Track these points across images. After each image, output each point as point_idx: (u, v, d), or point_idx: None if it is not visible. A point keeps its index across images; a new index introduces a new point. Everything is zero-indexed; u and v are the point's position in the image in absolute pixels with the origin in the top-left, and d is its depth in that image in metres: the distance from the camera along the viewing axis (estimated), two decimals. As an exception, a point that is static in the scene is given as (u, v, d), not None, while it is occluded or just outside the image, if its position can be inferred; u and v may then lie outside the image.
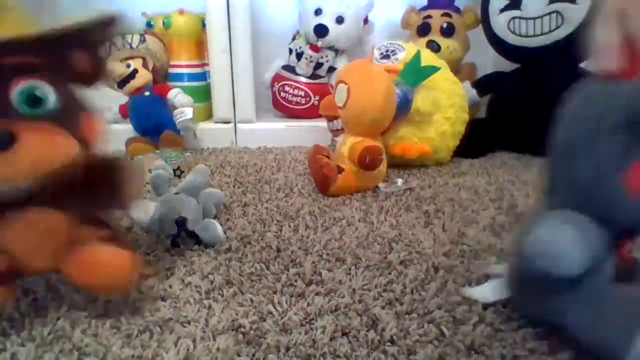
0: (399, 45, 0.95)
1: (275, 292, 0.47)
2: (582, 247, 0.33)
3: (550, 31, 0.99)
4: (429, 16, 1.21)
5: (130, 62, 1.03)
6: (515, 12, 1.03)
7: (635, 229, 0.37)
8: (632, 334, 0.32)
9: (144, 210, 0.58)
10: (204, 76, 1.19)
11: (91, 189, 0.41)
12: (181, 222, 0.56)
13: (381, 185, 0.81)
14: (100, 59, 0.41)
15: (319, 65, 1.17)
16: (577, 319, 0.36)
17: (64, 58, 0.39)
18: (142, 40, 1.10)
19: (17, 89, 0.36)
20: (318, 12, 1.13)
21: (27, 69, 0.36)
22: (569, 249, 0.34)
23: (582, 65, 1.01)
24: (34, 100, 0.36)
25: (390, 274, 0.51)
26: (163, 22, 1.15)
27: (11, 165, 0.34)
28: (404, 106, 0.81)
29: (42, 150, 0.36)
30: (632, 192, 0.34)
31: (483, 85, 1.14)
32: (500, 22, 1.06)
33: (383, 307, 0.45)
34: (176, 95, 1.03)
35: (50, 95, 0.37)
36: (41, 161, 0.36)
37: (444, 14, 1.20)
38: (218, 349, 0.39)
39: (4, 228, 0.39)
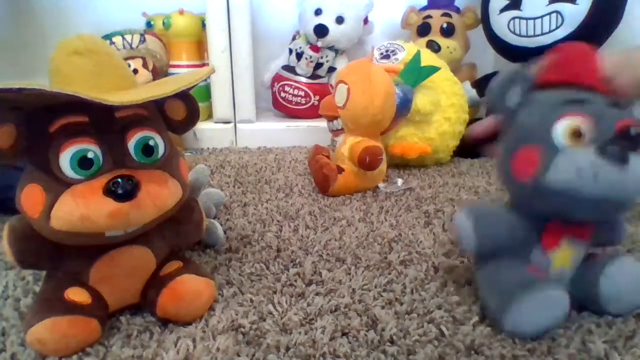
0: (399, 45, 0.95)
1: (275, 292, 0.47)
2: (475, 234, 0.42)
3: (550, 31, 0.99)
4: (429, 16, 1.21)
5: (130, 62, 1.03)
6: (515, 12, 1.02)
7: (546, 215, 0.41)
8: (510, 303, 0.39)
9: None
10: (204, 76, 1.19)
11: (177, 226, 0.45)
12: (181, 222, 0.56)
13: (381, 185, 0.81)
14: (195, 108, 0.44)
15: (319, 65, 1.17)
16: (486, 286, 0.44)
17: (164, 107, 0.43)
18: (142, 40, 1.10)
19: (134, 140, 0.38)
20: (318, 12, 1.13)
21: (139, 120, 0.39)
22: (464, 234, 0.42)
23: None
24: (148, 149, 0.39)
25: (390, 274, 0.51)
26: (163, 22, 1.14)
27: (137, 211, 0.36)
28: (404, 106, 0.81)
29: (162, 197, 0.38)
30: (518, 177, 0.40)
31: (483, 85, 1.14)
32: (500, 22, 1.06)
33: (383, 307, 0.45)
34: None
35: (160, 143, 0.40)
36: (162, 207, 0.39)
37: (444, 14, 1.20)
38: (218, 349, 0.39)
39: (98, 265, 0.41)
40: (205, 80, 1.19)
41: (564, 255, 0.42)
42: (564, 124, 0.38)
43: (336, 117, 0.85)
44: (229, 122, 1.15)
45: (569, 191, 0.37)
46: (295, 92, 1.18)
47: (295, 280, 0.50)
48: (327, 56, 1.16)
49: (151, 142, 0.39)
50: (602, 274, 0.42)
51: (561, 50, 0.43)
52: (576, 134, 0.37)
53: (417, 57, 0.87)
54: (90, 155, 0.36)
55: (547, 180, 0.38)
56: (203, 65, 1.19)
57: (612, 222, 0.44)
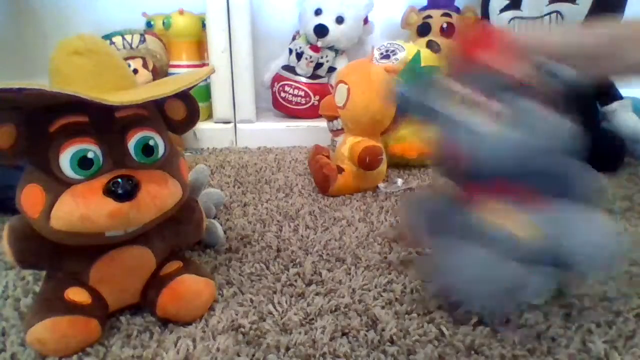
0: (399, 45, 0.95)
1: (275, 292, 0.47)
2: (413, 211, 0.48)
3: (550, 31, 0.99)
4: (429, 16, 1.21)
5: (130, 62, 1.03)
6: (516, 12, 1.02)
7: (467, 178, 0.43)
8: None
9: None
10: (203, 76, 1.19)
11: (177, 226, 0.45)
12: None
13: (381, 185, 0.81)
14: (195, 108, 0.44)
15: (319, 65, 1.16)
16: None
17: (164, 107, 0.43)
18: (142, 40, 1.10)
19: (134, 140, 0.38)
20: (318, 12, 1.13)
21: (139, 120, 0.39)
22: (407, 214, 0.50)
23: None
24: (148, 149, 0.39)
25: (390, 274, 0.51)
26: (163, 22, 1.14)
27: (137, 211, 0.36)
28: (404, 106, 0.81)
29: (162, 197, 0.38)
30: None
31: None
32: (500, 22, 1.06)
33: (383, 307, 0.45)
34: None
35: (160, 143, 0.40)
36: (162, 207, 0.39)
37: (444, 14, 1.20)
38: (218, 349, 0.39)
39: (98, 265, 0.41)
40: (205, 80, 1.19)
41: (518, 225, 0.39)
42: None
43: (336, 117, 0.85)
44: (229, 122, 1.15)
45: (475, 161, 0.41)
46: (295, 92, 1.18)
47: (295, 280, 0.50)
48: (327, 56, 1.16)
49: (151, 142, 0.39)
50: (567, 230, 0.39)
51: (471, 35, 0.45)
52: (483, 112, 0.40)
53: (417, 57, 0.87)
54: (90, 155, 0.36)
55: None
56: (203, 65, 1.19)
57: (555, 180, 0.41)
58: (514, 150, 0.38)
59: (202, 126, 1.14)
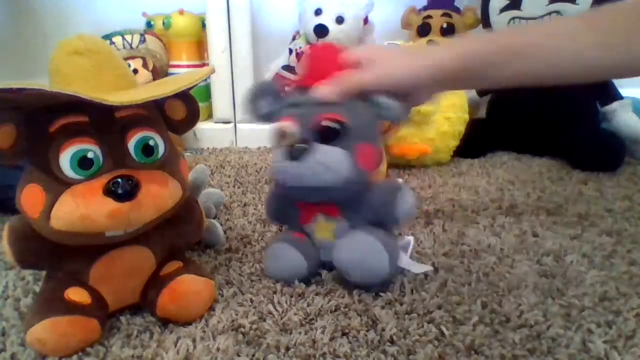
0: (399, 45, 0.95)
1: (275, 292, 0.47)
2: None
3: (550, 31, 0.99)
4: (429, 16, 1.21)
5: (130, 62, 1.03)
6: (516, 12, 1.02)
7: (292, 198, 0.50)
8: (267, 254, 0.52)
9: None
10: (203, 76, 1.19)
11: (177, 226, 0.45)
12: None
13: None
14: (195, 108, 0.44)
15: (319, 65, 1.16)
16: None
17: (164, 107, 0.43)
18: (142, 40, 1.10)
19: (134, 140, 0.38)
20: (318, 12, 1.13)
21: (139, 120, 0.39)
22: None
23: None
24: (148, 149, 0.39)
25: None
26: (163, 22, 1.14)
27: (137, 211, 0.36)
28: (403, 106, 0.81)
29: (162, 197, 0.38)
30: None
31: (483, 85, 1.14)
32: (500, 22, 1.06)
33: (383, 307, 0.45)
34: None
35: (160, 143, 0.40)
36: (162, 207, 0.39)
37: (444, 14, 1.20)
38: (218, 349, 0.39)
39: (98, 265, 0.41)
40: (205, 80, 1.19)
41: (323, 228, 0.50)
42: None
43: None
44: (229, 122, 1.15)
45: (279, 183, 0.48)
46: (295, 92, 1.18)
47: (295, 281, 0.50)
48: (327, 56, 1.16)
49: (151, 142, 0.39)
50: (335, 245, 0.47)
51: (310, 55, 0.50)
52: (283, 135, 0.46)
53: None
54: (90, 155, 0.36)
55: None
56: (203, 65, 1.19)
57: (355, 203, 0.48)
58: (299, 182, 0.45)
59: (202, 126, 1.14)
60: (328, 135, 0.45)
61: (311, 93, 0.46)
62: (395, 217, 0.48)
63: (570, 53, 0.43)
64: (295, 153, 0.44)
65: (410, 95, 0.47)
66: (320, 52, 0.51)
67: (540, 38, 0.44)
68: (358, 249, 0.46)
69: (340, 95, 0.45)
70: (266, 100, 0.50)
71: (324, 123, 0.45)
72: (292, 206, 0.51)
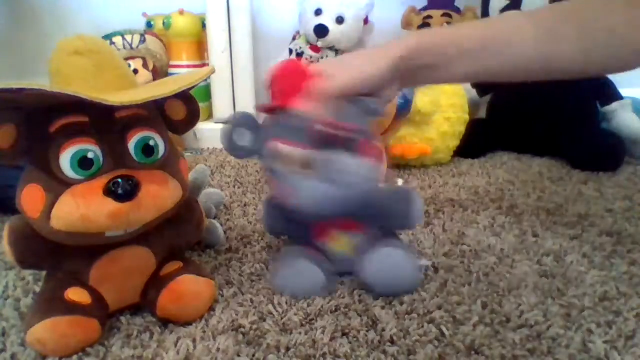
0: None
1: (275, 292, 0.47)
2: (265, 222, 0.54)
3: (550, 31, 0.98)
4: (429, 16, 1.21)
5: (130, 62, 1.03)
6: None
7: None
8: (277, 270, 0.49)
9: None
10: (203, 76, 1.19)
11: (177, 226, 0.45)
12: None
13: (381, 185, 0.81)
14: (195, 107, 0.44)
15: (319, 65, 1.16)
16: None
17: (164, 107, 0.43)
18: (142, 40, 1.10)
19: (134, 140, 0.38)
20: (318, 12, 1.13)
21: (139, 120, 0.39)
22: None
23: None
24: (148, 149, 0.39)
25: (390, 274, 0.51)
26: (163, 22, 1.14)
27: (137, 211, 0.36)
28: (404, 106, 0.81)
29: (162, 197, 0.38)
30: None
31: (483, 85, 1.14)
32: (500, 22, 1.06)
33: (383, 307, 0.45)
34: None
35: (160, 143, 0.40)
36: (162, 207, 0.39)
37: (444, 14, 1.20)
38: (218, 349, 0.39)
39: (98, 265, 0.41)
40: (205, 80, 1.19)
41: (340, 243, 0.48)
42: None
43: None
44: (229, 122, 1.15)
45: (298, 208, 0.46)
46: (295, 92, 1.18)
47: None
48: (327, 56, 1.16)
49: (151, 142, 0.39)
50: (364, 259, 0.46)
51: (276, 75, 0.47)
52: (285, 158, 0.44)
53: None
54: (90, 155, 0.36)
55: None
56: (203, 65, 1.19)
57: (372, 213, 0.47)
58: (323, 198, 0.43)
59: (202, 126, 1.14)
60: (329, 143, 0.43)
61: (292, 113, 0.44)
62: (411, 223, 0.48)
63: (514, 48, 0.46)
64: (307, 168, 0.42)
65: (377, 92, 0.47)
66: (284, 69, 0.48)
67: (487, 32, 0.47)
68: (391, 264, 0.46)
69: (322, 105, 0.44)
70: (245, 134, 0.46)
71: (320, 128, 0.43)
72: (300, 222, 0.49)
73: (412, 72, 0.47)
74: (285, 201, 0.46)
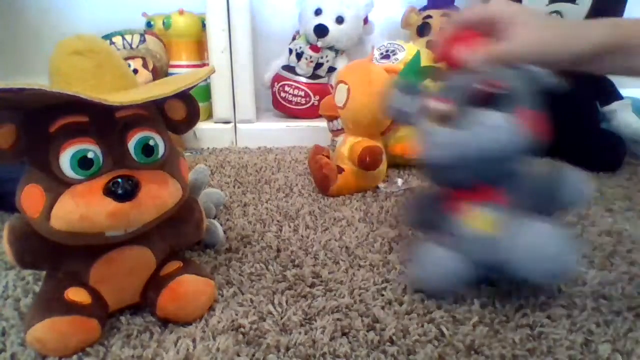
0: (399, 45, 0.95)
1: (275, 292, 0.47)
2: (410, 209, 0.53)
3: (550, 31, 0.98)
4: (429, 16, 1.21)
5: (130, 62, 1.03)
6: (515, 12, 1.02)
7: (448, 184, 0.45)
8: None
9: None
10: (204, 76, 1.19)
11: (177, 226, 0.45)
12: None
13: (381, 185, 0.81)
14: (195, 107, 0.44)
15: (319, 65, 1.16)
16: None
17: (164, 107, 0.43)
18: (142, 40, 1.10)
19: (134, 140, 0.38)
20: (318, 12, 1.13)
21: (139, 121, 0.39)
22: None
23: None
24: (148, 149, 0.39)
25: (390, 274, 0.51)
26: (163, 22, 1.14)
27: (137, 211, 0.36)
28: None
29: (162, 197, 0.38)
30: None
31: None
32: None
33: (383, 307, 0.45)
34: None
35: (160, 143, 0.40)
36: (161, 207, 0.39)
37: (444, 14, 1.20)
38: (218, 349, 0.39)
39: (98, 265, 0.41)
40: (205, 80, 1.18)
41: (478, 219, 0.42)
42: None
43: (336, 117, 0.85)
44: (229, 122, 1.15)
45: (433, 163, 0.43)
46: (295, 92, 1.18)
47: (295, 281, 0.50)
48: (327, 56, 1.16)
49: (151, 142, 0.39)
50: (507, 239, 0.40)
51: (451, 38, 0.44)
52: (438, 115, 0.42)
53: (417, 57, 0.87)
54: (90, 155, 0.36)
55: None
56: (203, 65, 1.19)
57: (517, 183, 0.43)
58: (460, 147, 0.40)
59: (202, 126, 1.14)
60: (485, 101, 0.40)
61: (457, 73, 0.42)
62: (563, 202, 0.44)
63: None
64: (456, 120, 0.40)
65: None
66: (462, 34, 0.44)
67: None
68: (544, 242, 0.39)
69: (487, 63, 0.41)
70: (406, 99, 0.46)
71: (480, 87, 0.40)
72: (439, 207, 0.46)
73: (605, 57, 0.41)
74: (426, 157, 0.43)
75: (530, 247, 0.39)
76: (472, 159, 0.40)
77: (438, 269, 0.43)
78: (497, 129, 0.39)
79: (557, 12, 0.97)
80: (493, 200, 0.42)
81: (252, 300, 0.46)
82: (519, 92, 0.41)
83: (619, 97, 1.00)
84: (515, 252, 0.40)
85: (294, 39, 1.22)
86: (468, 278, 0.43)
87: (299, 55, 1.16)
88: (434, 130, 0.41)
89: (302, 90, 1.17)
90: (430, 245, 0.43)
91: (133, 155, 0.38)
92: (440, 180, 0.44)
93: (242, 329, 0.41)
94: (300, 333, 0.41)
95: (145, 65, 1.03)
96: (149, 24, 1.19)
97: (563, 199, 0.44)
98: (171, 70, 1.16)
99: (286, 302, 0.46)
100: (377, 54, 0.95)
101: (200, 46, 1.18)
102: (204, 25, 1.13)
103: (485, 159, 0.40)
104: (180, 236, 0.46)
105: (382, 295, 0.47)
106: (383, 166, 0.80)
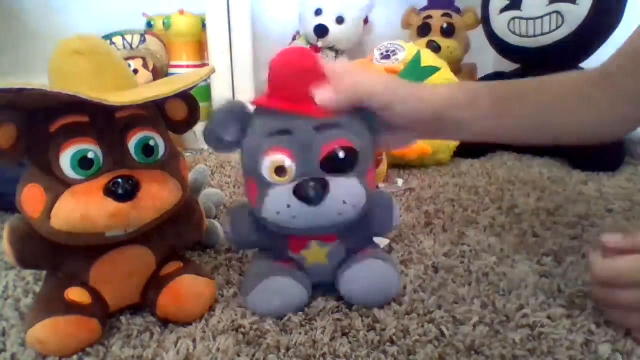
0: (399, 45, 0.95)
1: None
2: (232, 233, 0.47)
3: (550, 31, 0.99)
4: (429, 16, 1.21)
5: (130, 62, 1.03)
6: (516, 12, 1.03)
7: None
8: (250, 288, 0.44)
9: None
10: (204, 76, 1.19)
11: (177, 226, 0.45)
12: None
13: (381, 185, 0.81)
14: (195, 107, 0.44)
15: (319, 65, 1.17)
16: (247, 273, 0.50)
17: (164, 107, 0.43)
18: (142, 40, 1.10)
19: (134, 140, 0.38)
20: (318, 12, 1.13)
21: (139, 121, 0.39)
22: (227, 230, 0.47)
23: (581, 65, 1.01)
24: (148, 149, 0.39)
25: (390, 274, 0.51)
26: (163, 22, 1.15)
27: (137, 211, 0.36)
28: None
29: (162, 197, 0.38)
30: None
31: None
32: (500, 22, 1.06)
33: (383, 307, 0.45)
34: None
35: (160, 143, 0.40)
36: (161, 207, 0.39)
37: (444, 14, 1.20)
38: (218, 349, 0.39)
39: (98, 265, 0.41)
40: (205, 80, 1.19)
41: (316, 253, 0.45)
42: (268, 161, 0.39)
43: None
44: (229, 122, 1.15)
45: (279, 223, 0.41)
46: (295, 92, 1.18)
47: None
48: (327, 56, 1.16)
49: (151, 142, 0.39)
50: (342, 275, 0.44)
51: (276, 64, 0.41)
52: (280, 170, 0.39)
53: (417, 57, 0.87)
54: (90, 155, 0.36)
55: (263, 213, 0.41)
56: (203, 65, 1.19)
57: (356, 225, 0.43)
58: (321, 223, 0.40)
59: (202, 126, 1.14)
60: (339, 166, 0.39)
61: (301, 112, 0.39)
62: (390, 228, 0.48)
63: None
64: (310, 194, 0.38)
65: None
66: (288, 60, 0.41)
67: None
68: (373, 277, 0.44)
69: (339, 104, 0.39)
70: (233, 126, 0.42)
71: (338, 152, 0.38)
72: (279, 237, 0.44)
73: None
74: (263, 213, 0.41)
75: (365, 285, 0.44)
76: (320, 227, 0.41)
77: (287, 299, 0.44)
78: (353, 201, 0.40)
79: (557, 12, 0.97)
80: (329, 241, 0.45)
81: (252, 300, 0.46)
82: (366, 149, 0.41)
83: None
84: (352, 287, 0.44)
85: (294, 39, 1.22)
86: (303, 302, 0.45)
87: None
88: (277, 197, 0.39)
89: (302, 90, 1.17)
90: (271, 273, 0.43)
91: (133, 155, 0.38)
92: (285, 230, 0.43)
93: (242, 329, 0.41)
94: (300, 333, 0.41)
95: (145, 65, 1.03)
96: (149, 24, 1.19)
97: (374, 230, 0.48)
98: (171, 70, 1.16)
99: (286, 302, 0.46)
100: (377, 54, 0.95)
101: (200, 46, 1.18)
102: (204, 25, 1.13)
103: (334, 225, 0.41)
104: (180, 236, 0.46)
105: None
106: (383, 166, 0.80)
